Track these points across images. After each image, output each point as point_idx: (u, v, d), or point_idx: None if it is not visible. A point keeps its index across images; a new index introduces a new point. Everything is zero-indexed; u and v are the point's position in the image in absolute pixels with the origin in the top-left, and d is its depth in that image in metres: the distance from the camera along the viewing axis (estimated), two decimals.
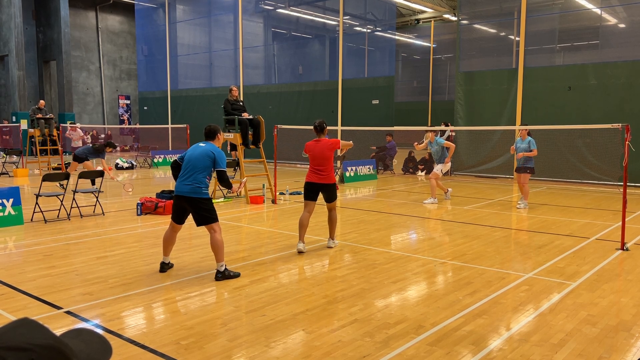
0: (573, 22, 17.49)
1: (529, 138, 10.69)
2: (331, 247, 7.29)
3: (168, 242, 6.09)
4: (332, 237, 7.37)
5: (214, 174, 6.02)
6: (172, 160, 6.16)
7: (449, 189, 12.28)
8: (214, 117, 21.94)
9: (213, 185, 11.57)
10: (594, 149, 14.34)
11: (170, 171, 6.16)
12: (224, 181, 5.96)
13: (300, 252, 6.97)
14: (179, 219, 5.95)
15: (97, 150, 13.39)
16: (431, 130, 12.02)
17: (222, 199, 11.68)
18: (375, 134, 18.83)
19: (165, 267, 6.16)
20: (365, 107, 20.21)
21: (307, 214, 7.15)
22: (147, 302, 5.06)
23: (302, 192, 7.61)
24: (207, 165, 5.78)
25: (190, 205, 5.78)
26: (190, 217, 5.98)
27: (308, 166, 7.47)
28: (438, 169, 11.70)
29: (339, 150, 7.38)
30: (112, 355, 1.00)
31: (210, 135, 6.07)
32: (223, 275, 5.74)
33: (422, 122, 31.40)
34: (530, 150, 10.57)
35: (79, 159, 13.42)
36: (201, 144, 5.95)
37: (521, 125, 10.75)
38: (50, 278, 5.80)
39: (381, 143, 18.83)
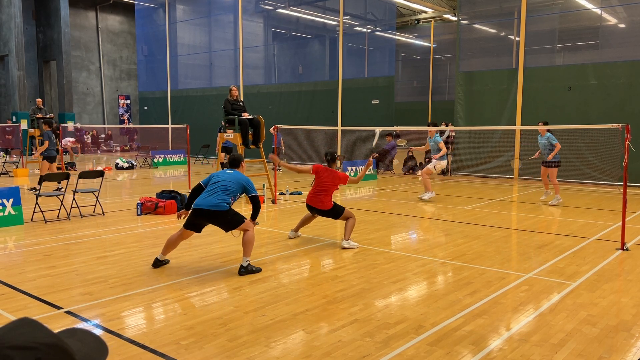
0: (573, 22, 17.49)
1: (548, 134, 10.96)
2: (345, 248, 7.16)
3: (171, 244, 6.21)
4: (345, 237, 7.27)
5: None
6: (196, 184, 6.26)
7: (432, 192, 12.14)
8: (214, 117, 21.97)
9: None
10: (594, 149, 14.33)
11: (191, 193, 6.16)
12: (257, 206, 6.11)
13: (289, 238, 7.71)
14: (193, 228, 6.08)
15: (50, 135, 13.06)
16: (432, 125, 12.40)
17: None
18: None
19: (159, 263, 6.28)
20: (365, 107, 20.21)
21: (310, 214, 7.71)
22: (147, 302, 5.06)
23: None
24: (237, 190, 6.03)
25: (211, 219, 5.92)
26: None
27: (308, 165, 7.65)
28: (432, 165, 11.91)
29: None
30: (109, 355, 1.00)
31: (236, 163, 6.41)
32: (246, 270, 5.92)
33: (422, 122, 31.33)
34: (552, 145, 10.82)
35: (52, 158, 13.05)
36: (229, 171, 6.23)
37: (541, 122, 11.08)
38: (50, 278, 5.81)
39: (381, 143, 18.80)
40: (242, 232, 6.06)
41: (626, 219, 7.54)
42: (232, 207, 6.06)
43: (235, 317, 4.66)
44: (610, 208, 10.78)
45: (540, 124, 11.14)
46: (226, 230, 6.05)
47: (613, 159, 13.24)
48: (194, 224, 6.05)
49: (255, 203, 6.11)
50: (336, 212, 7.39)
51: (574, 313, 4.75)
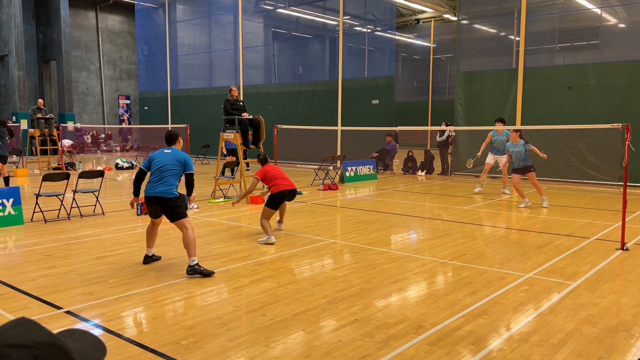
0: (573, 22, 17.50)
1: (521, 141, 10.79)
2: (281, 230, 8.21)
3: (150, 235, 6.43)
4: (281, 220, 8.35)
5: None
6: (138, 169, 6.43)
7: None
8: (214, 117, 21.98)
9: (213, 185, 11.56)
10: (594, 149, 14.33)
11: (135, 179, 6.32)
12: (191, 184, 6.29)
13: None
14: (154, 216, 6.33)
15: (4, 134, 12.83)
16: (501, 122, 12.62)
17: (222, 199, 11.68)
18: (375, 134, 18.83)
19: (148, 259, 6.41)
20: (365, 107, 20.20)
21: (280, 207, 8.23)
22: (147, 302, 5.06)
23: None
24: (180, 170, 6.14)
25: (161, 205, 6.05)
26: None
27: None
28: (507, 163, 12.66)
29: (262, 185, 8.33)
30: (108, 355, 1.01)
31: (172, 139, 6.41)
32: (193, 270, 5.82)
33: (422, 122, 31.41)
34: (527, 151, 10.68)
35: (3, 158, 12.67)
36: (167, 150, 6.26)
37: (513, 130, 10.79)
38: (50, 278, 5.81)
39: (381, 143, 18.82)
40: (182, 232, 5.98)
41: (626, 219, 7.54)
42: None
43: (235, 317, 4.66)
44: (610, 208, 10.78)
45: (512, 131, 10.81)
46: (171, 221, 6.04)
47: (613, 159, 13.23)
48: (152, 211, 6.21)
49: (190, 181, 6.26)
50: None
51: (574, 313, 4.75)
